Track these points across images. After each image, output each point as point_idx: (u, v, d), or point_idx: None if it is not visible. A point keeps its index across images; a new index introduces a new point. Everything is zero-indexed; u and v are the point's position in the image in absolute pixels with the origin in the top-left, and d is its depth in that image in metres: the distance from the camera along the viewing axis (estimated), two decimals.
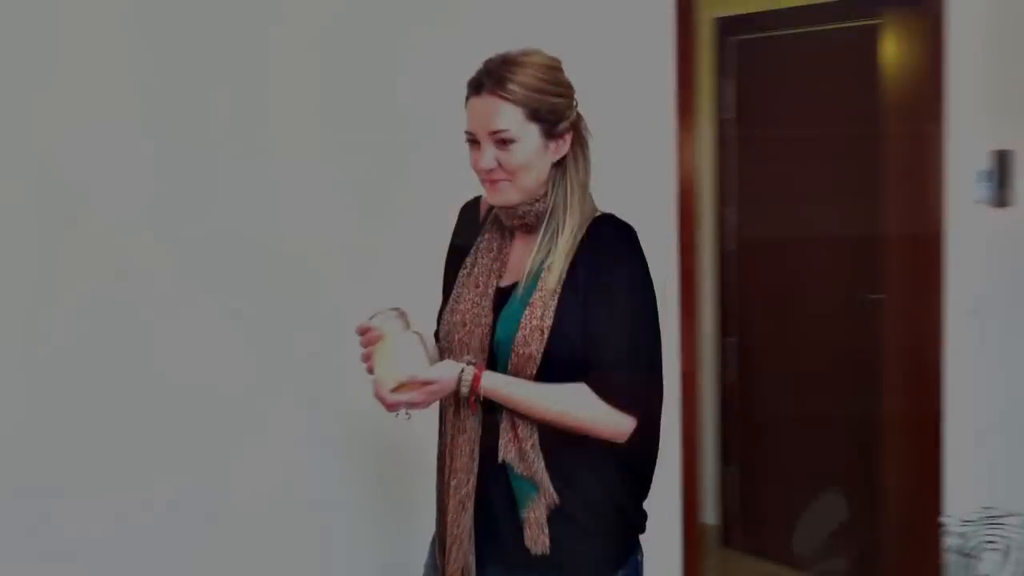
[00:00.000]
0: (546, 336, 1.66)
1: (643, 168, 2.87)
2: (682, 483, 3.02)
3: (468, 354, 1.72)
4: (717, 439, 4.15)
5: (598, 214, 1.76)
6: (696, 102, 3.11)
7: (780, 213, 3.80)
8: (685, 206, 2.98)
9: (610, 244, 1.70)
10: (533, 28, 2.09)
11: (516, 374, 1.68)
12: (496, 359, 1.70)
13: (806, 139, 3.67)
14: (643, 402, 1.69)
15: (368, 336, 1.71)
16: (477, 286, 1.77)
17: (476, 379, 1.67)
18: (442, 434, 1.82)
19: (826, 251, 3.66)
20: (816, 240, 3.65)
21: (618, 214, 1.76)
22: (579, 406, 1.66)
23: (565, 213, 1.72)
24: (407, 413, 1.67)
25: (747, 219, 4.00)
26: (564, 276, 1.68)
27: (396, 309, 1.72)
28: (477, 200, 1.90)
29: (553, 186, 1.73)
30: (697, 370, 3.12)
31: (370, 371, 1.71)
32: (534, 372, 1.67)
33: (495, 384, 1.67)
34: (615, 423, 1.67)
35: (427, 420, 1.80)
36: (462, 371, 1.67)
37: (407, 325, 1.71)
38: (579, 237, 1.70)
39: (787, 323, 3.84)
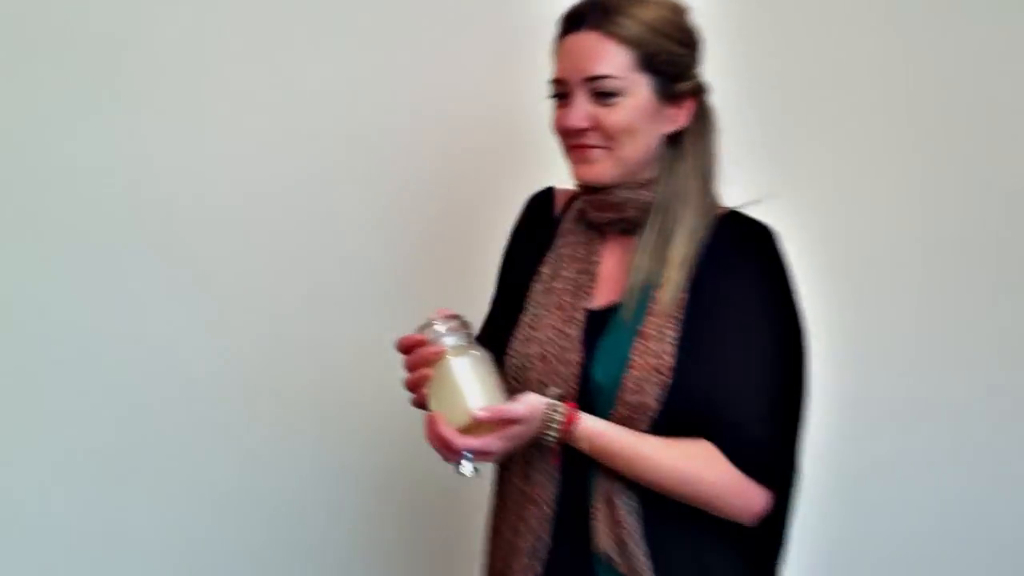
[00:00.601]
0: (668, 380, 1.24)
1: None
2: None
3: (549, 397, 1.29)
4: None
5: (722, 211, 1.34)
6: None
7: None
8: None
9: (743, 252, 1.29)
10: None
11: None
12: (590, 410, 1.27)
13: None
14: (784, 472, 1.29)
15: (421, 354, 1.24)
16: (560, 307, 1.33)
17: (570, 420, 1.24)
18: (500, 506, 1.37)
19: None
20: None
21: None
22: (706, 470, 1.25)
23: (680, 206, 1.30)
24: (475, 466, 1.21)
25: None
26: (684, 296, 1.28)
27: (456, 317, 1.26)
28: (550, 192, 1.47)
29: (665, 168, 1.31)
30: None
31: (419, 404, 1.26)
32: (647, 430, 1.25)
33: (594, 429, 1.24)
34: (747, 498, 1.26)
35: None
36: (552, 408, 1.24)
37: (473, 340, 1.27)
38: (699, 240, 1.30)
39: None
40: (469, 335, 1.26)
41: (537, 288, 1.37)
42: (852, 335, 1.92)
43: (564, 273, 1.36)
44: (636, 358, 1.25)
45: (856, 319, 1.94)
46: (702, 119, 1.33)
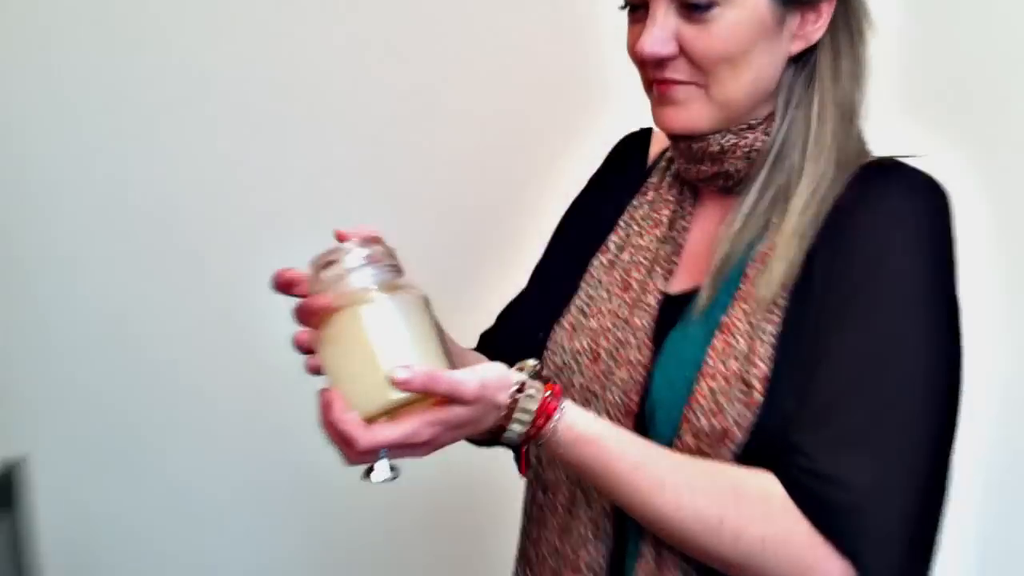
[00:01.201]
0: (759, 395, 0.84)
1: None
2: None
3: (597, 412, 0.92)
4: None
5: (868, 160, 0.93)
6: None
7: None
8: None
9: (890, 220, 0.87)
10: None
11: None
12: (648, 432, 0.90)
13: None
14: (884, 543, 0.82)
15: (312, 304, 0.82)
16: (626, 287, 0.97)
17: (548, 410, 0.83)
18: (529, 558, 1.01)
19: None
20: None
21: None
22: (746, 509, 0.82)
23: (805, 155, 0.90)
24: (392, 469, 0.80)
25: None
26: (795, 275, 0.88)
27: (376, 241, 0.84)
28: (646, 134, 1.10)
29: (787, 101, 0.92)
30: None
31: (315, 371, 0.85)
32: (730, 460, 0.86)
33: (586, 431, 0.84)
34: (807, 563, 0.82)
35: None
36: (522, 389, 0.82)
37: (400, 277, 0.84)
38: (828, 200, 0.89)
39: None
40: (395, 269, 0.84)
41: (599, 261, 1.01)
42: None
43: (638, 241, 1.00)
44: (712, 361, 0.87)
45: None
46: (846, 29, 0.92)
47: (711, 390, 0.86)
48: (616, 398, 0.92)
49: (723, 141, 0.92)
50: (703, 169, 0.95)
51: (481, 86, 1.64)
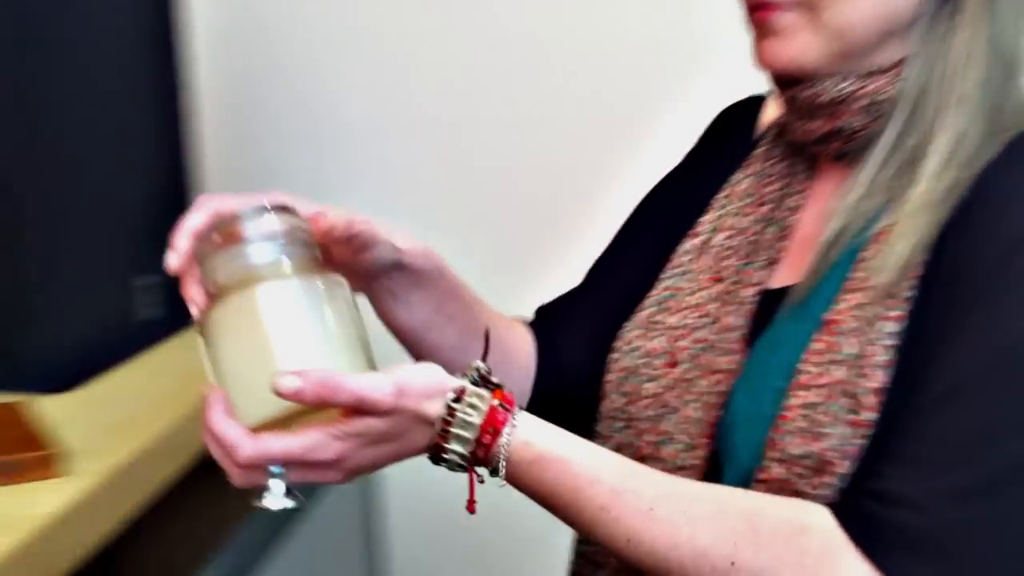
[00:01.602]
0: (872, 414, 0.65)
1: None
2: None
3: (671, 441, 0.74)
4: None
5: None
6: None
7: None
8: None
9: None
10: None
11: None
12: (725, 458, 0.71)
13: None
14: None
15: (187, 288, 0.69)
16: (718, 277, 0.79)
17: (496, 422, 0.65)
18: None
19: None
20: None
21: None
22: (769, 547, 0.62)
23: (946, 105, 0.70)
24: (294, 491, 0.64)
25: None
26: (922, 259, 0.69)
27: (286, 210, 0.68)
28: (757, 101, 0.91)
29: (923, 41, 0.72)
30: None
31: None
32: (828, 499, 0.66)
33: (546, 445, 0.66)
34: None
35: None
36: (461, 395, 0.65)
37: (315, 256, 0.69)
38: (971, 168, 0.69)
39: None
40: (307, 244, 0.68)
41: (687, 246, 0.83)
42: None
43: (735, 222, 0.81)
44: (810, 368, 0.68)
45: None
46: None
47: (807, 405, 0.67)
48: (695, 414, 0.74)
49: (839, 88, 0.73)
50: (815, 126, 0.76)
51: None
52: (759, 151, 0.84)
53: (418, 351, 0.82)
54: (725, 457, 0.70)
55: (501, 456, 0.65)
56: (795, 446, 0.66)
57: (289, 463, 0.63)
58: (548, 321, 0.91)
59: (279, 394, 0.61)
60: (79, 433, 0.97)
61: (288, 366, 0.62)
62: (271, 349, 0.63)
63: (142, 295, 1.25)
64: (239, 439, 0.62)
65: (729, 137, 0.89)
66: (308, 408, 0.63)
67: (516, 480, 0.67)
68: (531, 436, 0.66)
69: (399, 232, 0.77)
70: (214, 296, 0.66)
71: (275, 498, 0.63)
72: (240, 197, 0.69)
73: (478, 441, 0.65)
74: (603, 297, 0.87)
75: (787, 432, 0.67)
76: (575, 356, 0.83)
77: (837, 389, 0.66)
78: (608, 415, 0.79)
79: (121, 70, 1.24)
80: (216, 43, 1.52)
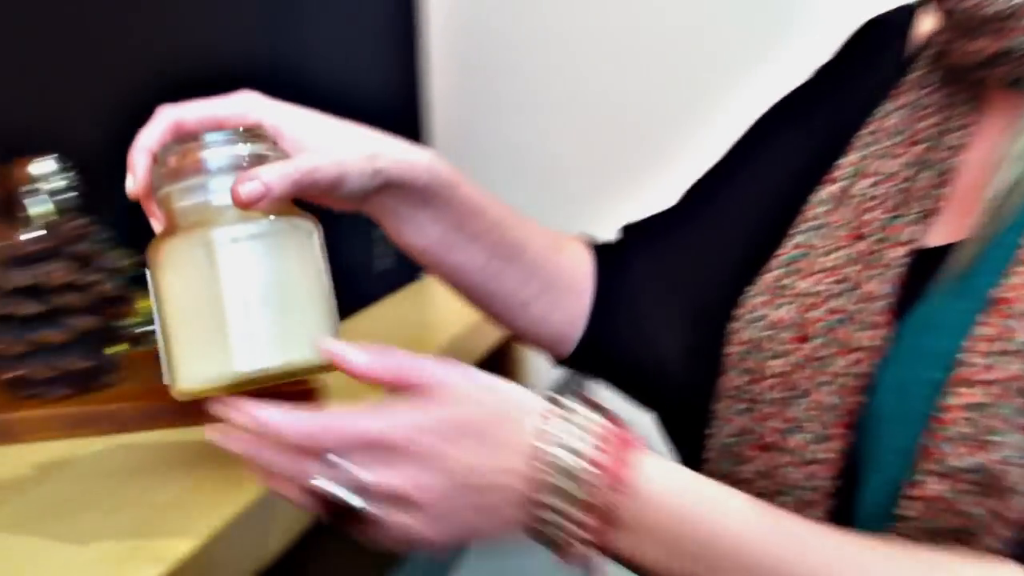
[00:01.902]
0: None
1: None
2: None
3: (799, 430, 0.62)
4: None
5: None
6: None
7: None
8: None
9: None
10: None
11: (911, 535, 0.55)
12: (865, 458, 0.59)
13: None
14: None
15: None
16: (859, 234, 0.66)
17: (619, 480, 0.51)
18: None
19: None
20: None
21: None
22: None
23: None
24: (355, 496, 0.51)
25: None
26: None
27: (259, 137, 0.58)
28: (909, 11, 0.75)
29: None
30: None
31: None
32: (1002, 540, 0.53)
33: (675, 499, 0.52)
34: None
35: None
36: (543, 423, 0.52)
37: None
38: None
39: None
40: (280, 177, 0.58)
41: (823, 194, 0.69)
42: None
43: (880, 166, 0.68)
44: (976, 358, 0.55)
45: None
46: None
47: (972, 406, 0.55)
48: (829, 399, 0.62)
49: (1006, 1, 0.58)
50: (979, 46, 0.62)
51: None
52: (912, 76, 0.70)
53: (442, 274, 0.72)
54: (866, 457, 0.59)
55: (630, 501, 0.52)
56: (958, 456, 0.54)
57: (357, 448, 0.51)
58: (633, 248, 0.79)
59: (322, 349, 0.53)
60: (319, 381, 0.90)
61: (240, 324, 0.52)
62: (223, 305, 0.53)
63: (379, 246, 1.36)
64: (282, 415, 0.51)
65: (871, 55, 0.75)
66: (266, 380, 0.53)
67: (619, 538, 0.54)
68: (654, 474, 0.53)
69: (391, 148, 0.65)
70: (166, 225, 0.56)
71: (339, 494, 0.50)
72: (202, 106, 0.60)
73: (605, 469, 0.52)
74: (707, 234, 0.75)
75: (947, 439, 0.55)
76: (660, 310, 0.71)
77: (1011, 387, 0.54)
78: (727, 394, 0.68)
79: (369, 62, 1.46)
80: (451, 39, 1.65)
